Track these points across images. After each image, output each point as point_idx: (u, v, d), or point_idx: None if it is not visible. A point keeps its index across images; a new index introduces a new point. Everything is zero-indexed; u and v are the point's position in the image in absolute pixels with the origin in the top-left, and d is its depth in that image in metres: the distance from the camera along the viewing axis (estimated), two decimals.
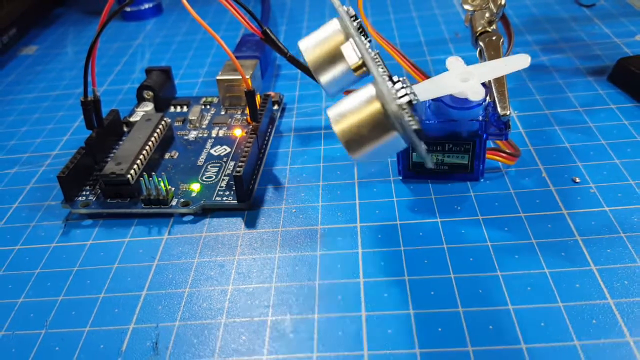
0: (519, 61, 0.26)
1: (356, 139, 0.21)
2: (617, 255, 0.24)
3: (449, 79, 0.26)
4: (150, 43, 0.51)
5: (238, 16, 0.31)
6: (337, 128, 0.21)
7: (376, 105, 0.20)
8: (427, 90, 0.26)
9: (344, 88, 0.23)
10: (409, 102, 0.21)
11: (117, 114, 0.35)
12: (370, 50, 0.22)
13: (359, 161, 0.21)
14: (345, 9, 0.23)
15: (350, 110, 0.21)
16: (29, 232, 0.29)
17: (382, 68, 0.22)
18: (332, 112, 0.21)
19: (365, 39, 0.23)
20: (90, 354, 0.22)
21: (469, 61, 0.27)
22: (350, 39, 0.22)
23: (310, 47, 0.23)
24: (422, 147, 0.20)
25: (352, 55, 0.22)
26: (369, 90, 0.21)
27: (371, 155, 0.21)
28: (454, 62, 0.27)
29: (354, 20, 0.23)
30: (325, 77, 0.23)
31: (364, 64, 0.22)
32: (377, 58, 0.22)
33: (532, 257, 0.24)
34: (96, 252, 0.27)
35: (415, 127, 0.20)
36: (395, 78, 0.22)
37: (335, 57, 0.23)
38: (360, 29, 0.23)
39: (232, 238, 0.27)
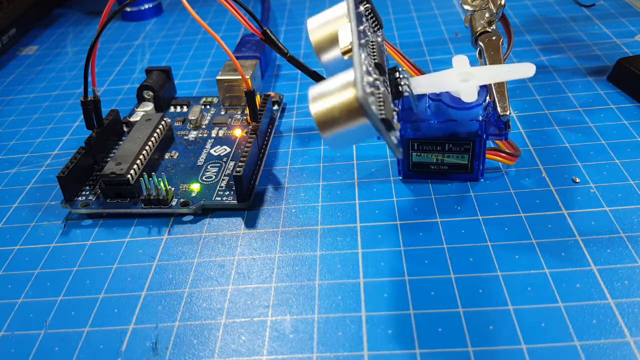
0: (523, 70, 0.26)
1: (329, 120, 0.21)
2: (617, 255, 0.24)
3: (448, 76, 0.26)
4: (151, 43, 0.51)
5: (238, 16, 0.31)
6: (313, 107, 0.21)
7: (350, 90, 0.20)
8: (425, 84, 0.26)
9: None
10: (400, 92, 0.21)
11: (117, 114, 0.35)
12: (366, 35, 0.22)
13: (329, 143, 0.21)
14: None
15: (328, 92, 0.21)
16: (28, 232, 0.29)
17: (373, 55, 0.22)
18: (313, 91, 0.21)
19: (373, 23, 0.23)
20: (89, 355, 0.22)
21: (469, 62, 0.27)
22: (349, 23, 0.22)
23: (315, 26, 0.24)
24: (392, 137, 0.20)
25: (344, 38, 0.22)
26: (348, 75, 0.21)
27: (341, 138, 0.21)
28: (459, 61, 0.26)
29: (365, 4, 0.23)
30: (324, 58, 0.24)
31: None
32: (373, 45, 0.22)
33: (532, 257, 0.24)
34: (96, 252, 0.27)
35: (383, 116, 0.20)
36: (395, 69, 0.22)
37: (335, 39, 0.23)
38: (370, 14, 0.23)
39: (232, 238, 0.27)
